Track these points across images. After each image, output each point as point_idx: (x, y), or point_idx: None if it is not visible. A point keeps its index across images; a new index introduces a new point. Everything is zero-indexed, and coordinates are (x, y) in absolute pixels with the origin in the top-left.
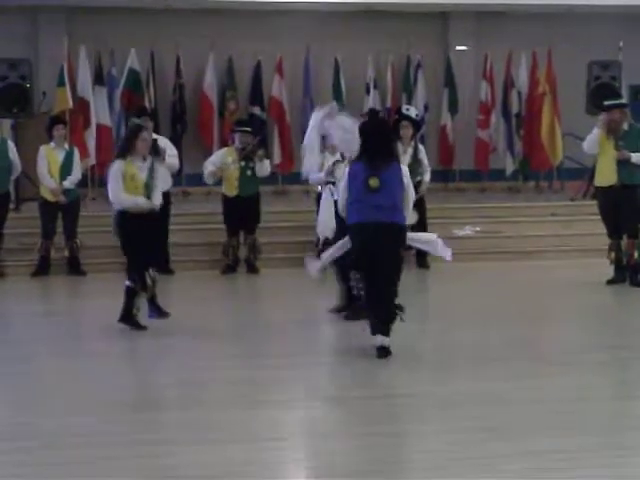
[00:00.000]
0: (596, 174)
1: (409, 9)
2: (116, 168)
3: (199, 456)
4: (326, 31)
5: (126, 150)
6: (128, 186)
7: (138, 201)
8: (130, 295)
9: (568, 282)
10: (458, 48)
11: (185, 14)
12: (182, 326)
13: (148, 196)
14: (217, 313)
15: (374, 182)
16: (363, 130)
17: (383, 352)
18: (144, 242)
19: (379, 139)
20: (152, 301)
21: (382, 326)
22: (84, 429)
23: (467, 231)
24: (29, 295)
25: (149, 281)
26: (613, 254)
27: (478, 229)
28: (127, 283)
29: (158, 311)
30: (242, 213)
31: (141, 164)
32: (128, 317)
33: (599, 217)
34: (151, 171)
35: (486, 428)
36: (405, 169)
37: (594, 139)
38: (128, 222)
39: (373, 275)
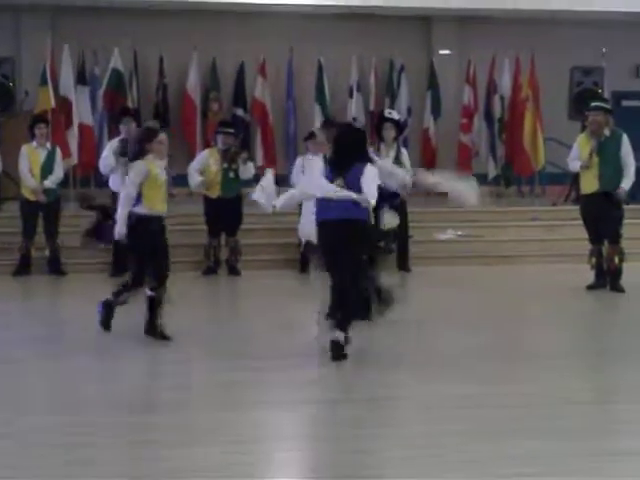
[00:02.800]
0: (580, 182)
1: (393, 13)
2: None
3: (185, 458)
4: (310, 33)
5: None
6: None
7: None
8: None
9: (549, 287)
10: (441, 52)
11: (169, 15)
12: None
13: None
14: (197, 315)
15: (339, 182)
16: (336, 139)
17: (335, 347)
18: None
19: (348, 147)
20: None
21: (341, 321)
22: (70, 429)
23: (449, 235)
24: (9, 294)
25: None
26: (594, 259)
27: (460, 233)
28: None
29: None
30: (224, 215)
31: None
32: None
33: (580, 222)
34: None
35: (466, 431)
36: (371, 169)
37: (575, 154)
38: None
39: (337, 271)
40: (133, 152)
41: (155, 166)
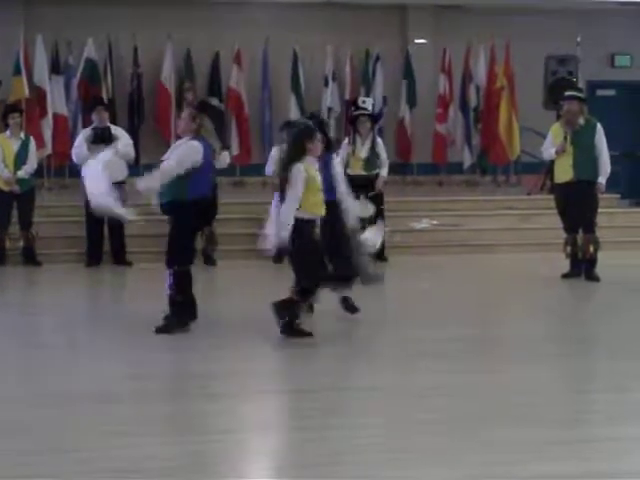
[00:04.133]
0: (555, 170)
1: (368, 2)
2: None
3: (153, 448)
4: (285, 23)
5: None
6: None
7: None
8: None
9: (524, 276)
10: (417, 41)
11: (143, 4)
12: (138, 318)
13: None
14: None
15: None
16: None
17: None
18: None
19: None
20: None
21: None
22: (39, 420)
23: (424, 224)
24: None
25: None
26: (569, 248)
27: (435, 222)
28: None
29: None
30: None
31: None
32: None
33: (555, 211)
34: None
35: (444, 420)
36: (335, 158)
37: (549, 143)
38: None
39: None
40: (290, 152)
41: (312, 168)
